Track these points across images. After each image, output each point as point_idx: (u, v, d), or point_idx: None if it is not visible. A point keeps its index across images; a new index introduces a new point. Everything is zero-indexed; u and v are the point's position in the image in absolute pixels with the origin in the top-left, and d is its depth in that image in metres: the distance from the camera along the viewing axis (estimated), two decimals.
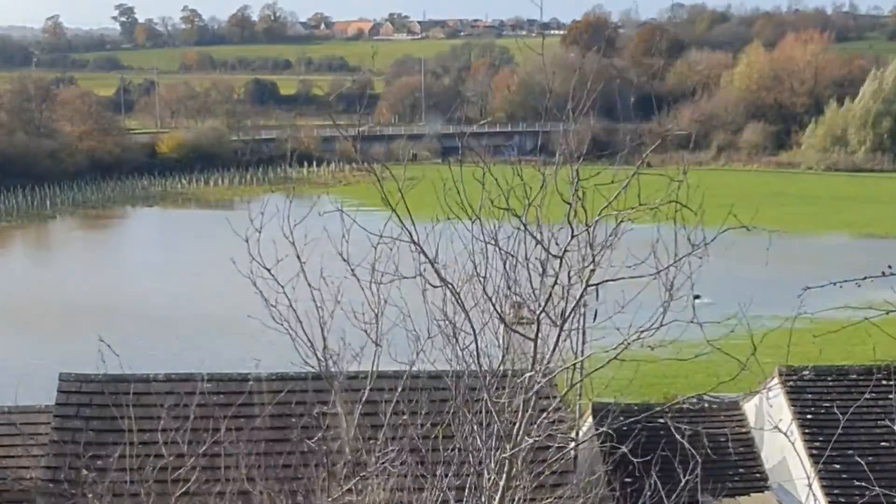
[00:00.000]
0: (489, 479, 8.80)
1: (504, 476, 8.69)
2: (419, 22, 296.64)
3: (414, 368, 10.22)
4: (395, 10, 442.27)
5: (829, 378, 19.16)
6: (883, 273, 8.68)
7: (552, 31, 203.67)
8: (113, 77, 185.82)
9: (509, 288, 8.98)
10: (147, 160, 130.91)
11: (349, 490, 9.83)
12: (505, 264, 8.86)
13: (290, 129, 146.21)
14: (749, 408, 20.30)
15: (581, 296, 8.76)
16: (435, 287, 8.87)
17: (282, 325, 9.66)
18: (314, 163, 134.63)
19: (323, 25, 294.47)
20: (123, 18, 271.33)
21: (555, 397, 10.24)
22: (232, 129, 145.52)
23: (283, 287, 9.66)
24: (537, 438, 8.85)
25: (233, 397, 15.19)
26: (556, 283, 8.73)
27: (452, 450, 9.59)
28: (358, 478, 9.93)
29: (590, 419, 18.76)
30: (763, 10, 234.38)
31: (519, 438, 8.66)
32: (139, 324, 58.88)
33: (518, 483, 8.99)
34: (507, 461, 8.69)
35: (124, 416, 12.59)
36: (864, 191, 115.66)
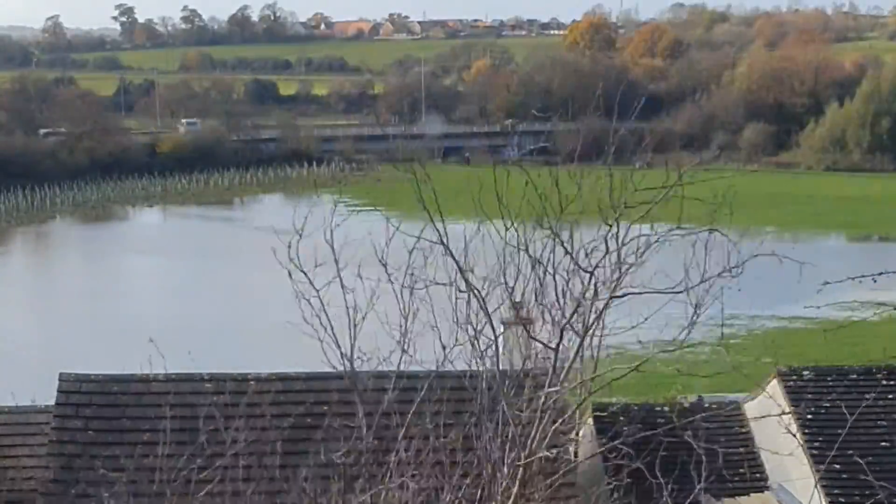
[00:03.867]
0: (502, 484, 8.78)
1: (517, 483, 8.68)
2: (419, 22, 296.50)
3: (435, 370, 10.23)
4: (395, 10, 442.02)
5: (829, 378, 19.15)
6: None
7: (552, 31, 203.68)
8: (113, 77, 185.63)
9: (536, 297, 9.02)
10: (147, 160, 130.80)
11: (366, 492, 9.80)
12: (536, 272, 8.88)
13: (290, 129, 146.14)
14: (749, 408, 20.28)
15: (605, 308, 8.78)
16: (461, 293, 8.89)
17: (311, 325, 9.69)
18: (314, 163, 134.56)
19: (323, 25, 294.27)
20: (123, 18, 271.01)
21: (563, 391, 10.21)
22: (232, 129, 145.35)
23: (318, 291, 9.69)
24: (551, 453, 8.83)
25: (234, 397, 15.17)
26: (584, 296, 8.75)
27: (469, 451, 9.56)
28: (369, 481, 9.89)
29: (590, 420, 18.74)
30: (763, 10, 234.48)
31: (534, 446, 8.65)
32: (140, 324, 58.87)
33: (531, 490, 8.98)
34: (520, 468, 8.68)
35: (124, 416, 12.61)
36: (863, 191, 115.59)
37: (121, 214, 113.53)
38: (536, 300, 9.08)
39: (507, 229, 8.88)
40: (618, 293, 8.76)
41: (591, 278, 8.78)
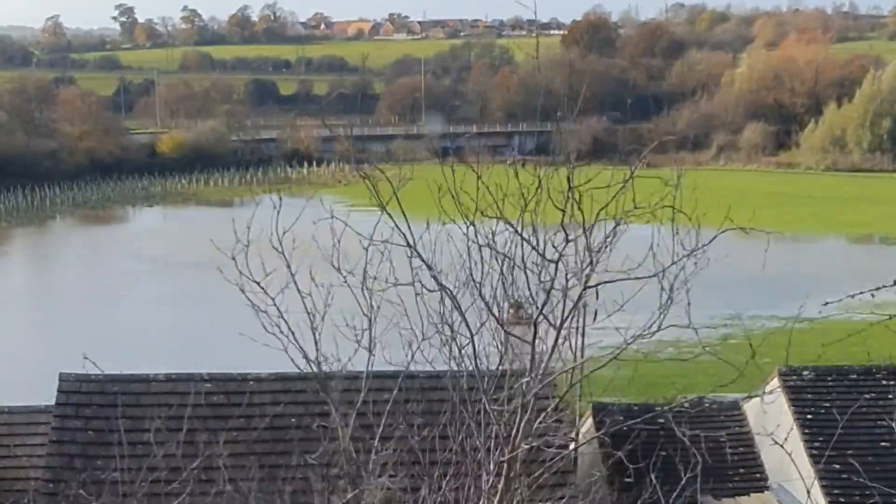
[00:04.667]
0: (488, 481, 8.79)
1: (502, 478, 8.68)
2: (419, 22, 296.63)
3: (410, 369, 10.22)
4: (395, 10, 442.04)
5: (829, 378, 19.15)
6: (895, 282, 8.75)
7: (552, 31, 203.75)
8: (113, 77, 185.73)
9: (506, 291, 8.99)
10: (147, 160, 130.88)
11: (346, 492, 9.82)
12: (502, 267, 8.87)
13: (290, 129, 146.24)
14: (749, 408, 20.29)
15: (579, 298, 8.77)
16: (431, 291, 8.86)
17: (273, 334, 9.64)
18: (314, 163, 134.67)
19: (323, 25, 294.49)
20: (123, 18, 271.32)
21: (554, 397, 10.22)
22: (232, 129, 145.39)
23: (273, 299, 9.64)
24: (535, 444, 8.83)
25: (232, 397, 15.19)
26: (552, 286, 8.73)
27: (450, 451, 9.58)
28: (356, 484, 9.91)
29: (590, 420, 18.77)
30: (763, 10, 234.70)
31: (518, 441, 8.64)
32: (138, 324, 58.89)
33: (517, 485, 8.98)
34: (505, 464, 8.68)
35: (124, 416, 12.61)
36: (863, 191, 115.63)
37: (121, 214, 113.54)
38: (506, 295, 9.08)
39: (468, 226, 8.85)
40: (590, 283, 8.77)
41: (556, 268, 8.78)
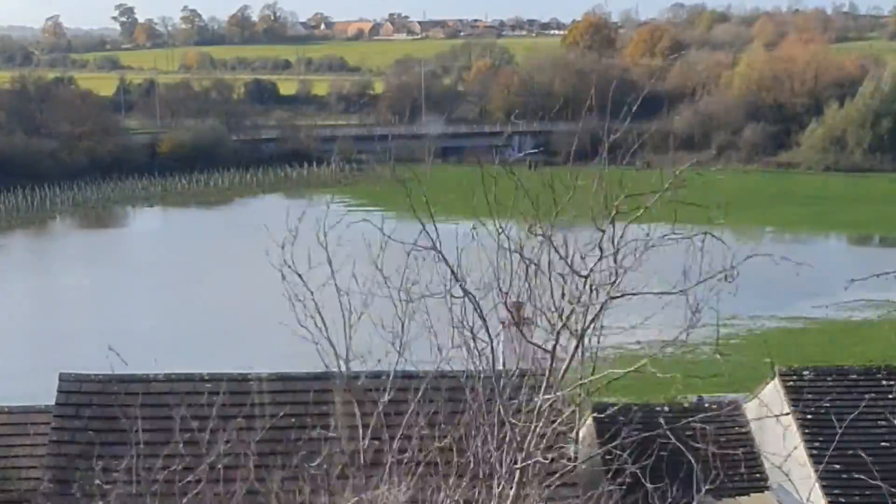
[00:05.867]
0: (500, 486, 8.78)
1: (515, 485, 8.68)
2: (419, 22, 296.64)
3: (431, 371, 10.25)
4: (395, 10, 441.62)
5: (829, 378, 19.17)
6: None
7: (552, 31, 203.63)
8: (113, 77, 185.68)
9: (529, 300, 9.03)
10: (147, 160, 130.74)
11: (360, 492, 9.81)
12: (527, 274, 8.90)
13: (290, 129, 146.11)
14: (749, 408, 20.30)
15: (601, 309, 8.80)
16: (457, 298, 8.91)
17: (306, 327, 9.70)
18: (314, 163, 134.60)
19: (323, 25, 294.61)
20: (123, 18, 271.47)
21: (560, 394, 10.20)
22: (232, 129, 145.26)
23: (312, 293, 9.74)
24: (546, 458, 8.83)
25: (234, 397, 15.18)
26: (579, 300, 8.77)
27: (464, 451, 9.57)
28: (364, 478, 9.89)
29: (590, 420, 18.74)
30: (763, 10, 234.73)
31: (531, 448, 8.66)
32: (137, 325, 58.87)
33: (528, 492, 8.98)
34: (517, 470, 8.69)
35: (124, 416, 12.62)
36: (864, 191, 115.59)
37: (121, 215, 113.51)
38: (530, 302, 9.10)
39: (499, 233, 8.86)
40: (614, 295, 8.77)
41: (586, 281, 8.79)
